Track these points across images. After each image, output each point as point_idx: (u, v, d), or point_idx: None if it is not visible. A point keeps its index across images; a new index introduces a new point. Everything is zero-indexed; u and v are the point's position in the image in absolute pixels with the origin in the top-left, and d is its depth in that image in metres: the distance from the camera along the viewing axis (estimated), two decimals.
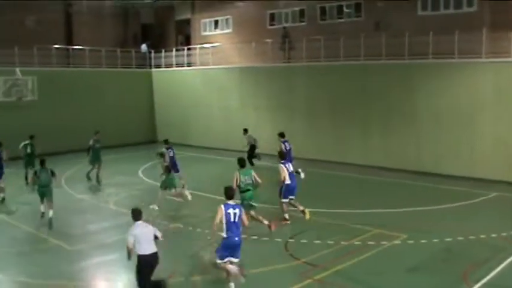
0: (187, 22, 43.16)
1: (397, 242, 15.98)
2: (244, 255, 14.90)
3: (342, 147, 30.29)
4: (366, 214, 19.42)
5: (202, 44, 39.47)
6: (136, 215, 11.90)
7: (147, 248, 11.53)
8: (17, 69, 33.38)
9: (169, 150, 23.76)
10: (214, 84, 36.64)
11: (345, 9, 33.53)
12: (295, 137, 31.50)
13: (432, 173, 26.28)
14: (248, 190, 16.66)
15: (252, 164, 27.63)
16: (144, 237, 11.56)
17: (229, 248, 12.37)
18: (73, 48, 38.93)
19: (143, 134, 39.62)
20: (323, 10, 34.41)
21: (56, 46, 37.17)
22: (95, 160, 26.09)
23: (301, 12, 35.34)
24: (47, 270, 14.25)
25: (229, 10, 39.17)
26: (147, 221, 12.26)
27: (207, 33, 41.42)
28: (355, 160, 29.34)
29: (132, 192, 23.67)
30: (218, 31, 40.60)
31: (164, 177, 20.79)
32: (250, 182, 16.79)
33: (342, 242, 15.82)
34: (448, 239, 16.09)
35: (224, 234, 12.28)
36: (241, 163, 17.14)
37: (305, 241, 15.98)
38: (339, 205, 20.53)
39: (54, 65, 36.21)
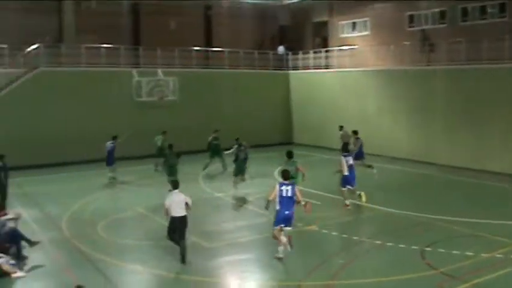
0: (325, 24, 43.26)
1: None
2: (380, 261, 14.94)
3: (481, 154, 28.96)
4: (507, 226, 18.57)
5: (339, 46, 39.46)
6: (175, 185, 15.36)
7: (178, 211, 14.84)
8: (159, 71, 35.12)
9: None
10: (351, 87, 36.50)
11: (488, 10, 32.26)
12: (431, 142, 30.94)
13: None
14: (292, 177, 17.80)
15: None
16: (177, 203, 14.92)
17: (281, 219, 14.80)
18: (212, 50, 40.28)
19: (280, 135, 40.22)
20: (465, 11, 33.27)
21: (196, 48, 38.71)
22: (214, 155, 29.14)
23: (442, 14, 34.35)
24: (184, 265, 14.83)
25: (367, 12, 38.87)
26: None
27: (344, 35, 41.34)
28: (496, 168, 27.97)
29: (268, 193, 24.08)
30: (356, 33, 40.39)
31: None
32: (294, 171, 19.34)
33: (482, 254, 15.26)
34: None
35: (277, 207, 14.84)
36: (288, 155, 20.44)
37: (442, 250, 15.59)
38: (477, 215, 19.71)
39: (194, 66, 37.78)
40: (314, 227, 18.17)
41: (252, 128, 37.26)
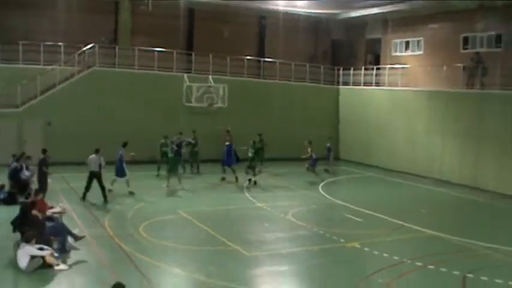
0: (378, 41, 42.99)
1: None
2: (419, 283, 14.74)
3: None
4: None
5: (391, 64, 39.18)
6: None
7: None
8: (210, 77, 35.38)
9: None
10: (400, 106, 36.14)
11: None
12: (480, 167, 30.35)
13: None
14: None
15: None
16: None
17: None
18: (264, 60, 40.48)
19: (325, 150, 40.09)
20: None
21: (248, 57, 38.93)
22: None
23: (498, 37, 33.76)
24: (223, 272, 14.85)
25: (421, 31, 38.41)
26: None
27: (397, 53, 40.95)
28: None
29: (311, 206, 24.09)
30: (409, 52, 39.94)
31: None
32: None
33: None
34: None
35: None
36: None
37: (485, 278, 15.18)
38: None
39: (244, 75, 38.01)
40: (355, 244, 17.99)
41: (299, 141, 37.16)
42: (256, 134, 31.36)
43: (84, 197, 22.76)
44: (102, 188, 22.78)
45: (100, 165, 22.79)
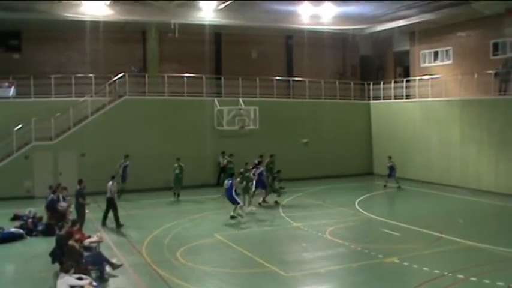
0: (406, 53, 42.76)
1: None
2: None
3: None
4: None
5: (421, 75, 38.89)
6: None
7: None
8: (240, 100, 35.52)
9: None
10: (433, 117, 35.79)
11: None
12: None
13: None
14: None
15: None
16: None
17: None
18: (293, 80, 40.54)
19: (360, 165, 39.80)
20: None
21: (277, 78, 39.02)
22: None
23: None
24: None
25: (449, 40, 38.09)
26: None
27: (426, 64, 40.64)
28: None
29: (347, 223, 23.87)
30: (438, 62, 39.62)
31: None
32: None
33: None
34: None
35: None
36: None
37: None
38: None
39: (274, 96, 38.10)
40: (394, 259, 17.74)
41: (332, 158, 37.16)
42: (269, 155, 30.94)
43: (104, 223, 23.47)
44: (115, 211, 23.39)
45: (111, 191, 23.34)
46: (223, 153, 33.32)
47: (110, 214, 23.25)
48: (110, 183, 23.40)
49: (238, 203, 24.43)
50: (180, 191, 30.34)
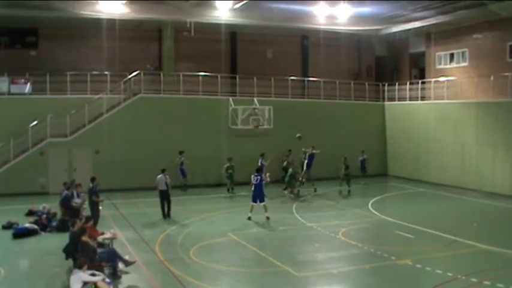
0: (422, 55, 42.57)
1: None
2: None
3: None
4: None
5: (436, 77, 38.70)
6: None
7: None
8: (255, 99, 35.53)
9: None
10: (448, 119, 35.60)
11: None
12: None
13: None
14: None
15: None
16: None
17: None
18: (308, 80, 40.46)
19: (374, 166, 39.55)
20: None
21: (292, 78, 38.99)
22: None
23: None
24: None
25: (465, 42, 37.85)
26: None
27: (441, 66, 40.41)
28: None
29: (361, 224, 23.81)
30: (453, 64, 39.36)
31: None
32: None
33: None
34: None
35: None
36: None
37: None
38: None
39: (289, 96, 38.08)
40: (408, 261, 17.66)
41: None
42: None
43: (164, 216, 24.54)
44: (169, 204, 24.53)
45: (167, 184, 24.35)
46: (262, 155, 32.77)
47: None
48: (160, 175, 24.35)
49: (264, 201, 24.50)
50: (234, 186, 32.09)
